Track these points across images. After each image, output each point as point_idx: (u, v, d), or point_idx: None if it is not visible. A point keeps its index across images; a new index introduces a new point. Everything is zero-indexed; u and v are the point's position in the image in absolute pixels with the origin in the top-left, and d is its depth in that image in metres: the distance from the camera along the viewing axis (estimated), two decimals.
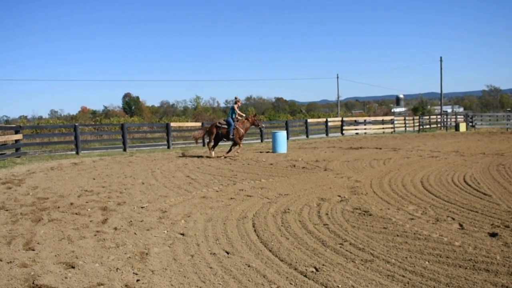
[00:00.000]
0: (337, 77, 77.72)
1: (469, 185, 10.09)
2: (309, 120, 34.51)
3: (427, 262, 5.20)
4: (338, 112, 75.30)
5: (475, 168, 12.90)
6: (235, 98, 18.00)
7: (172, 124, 26.48)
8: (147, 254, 5.79)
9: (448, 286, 4.53)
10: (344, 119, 37.29)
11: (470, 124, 40.56)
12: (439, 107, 64.17)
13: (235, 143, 18.12)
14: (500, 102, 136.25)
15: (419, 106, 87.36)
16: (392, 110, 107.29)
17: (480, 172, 12.07)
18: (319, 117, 56.33)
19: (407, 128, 40.62)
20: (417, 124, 39.79)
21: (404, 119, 42.52)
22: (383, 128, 38.27)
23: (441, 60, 54.76)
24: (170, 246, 6.14)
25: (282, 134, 20.16)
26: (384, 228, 6.72)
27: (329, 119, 35.70)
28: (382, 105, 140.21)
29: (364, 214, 7.65)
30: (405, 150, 19.50)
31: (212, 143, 18.28)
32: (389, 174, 12.25)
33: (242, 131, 17.78)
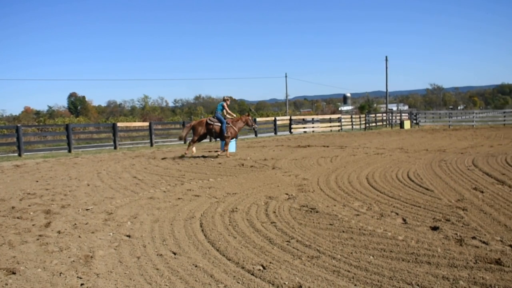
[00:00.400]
0: (286, 76, 78.71)
1: (413, 181, 10.43)
2: (258, 119, 34.69)
3: (371, 257, 5.35)
4: (286, 111, 76.12)
5: (419, 164, 13.35)
6: (224, 97, 17.55)
7: (119, 124, 25.96)
8: (91, 257, 5.67)
9: (391, 279, 4.67)
10: (293, 117, 37.69)
11: (414, 121, 41.89)
12: (384, 106, 65.90)
13: (225, 141, 17.46)
14: (443, 100, 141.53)
15: (366, 105, 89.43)
16: (340, 109, 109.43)
17: (423, 168, 12.51)
18: (268, 116, 56.65)
19: (354, 126, 41.50)
20: (364, 122, 40.73)
21: (351, 118, 43.39)
22: (330, 127, 38.95)
23: (386, 60, 56.36)
24: (115, 248, 6.03)
25: None
26: (330, 224, 6.85)
27: (277, 118, 35.97)
28: (330, 104, 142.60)
29: (311, 211, 7.77)
30: (352, 147, 19.93)
31: (195, 141, 17.55)
32: (336, 171, 12.49)
33: (235, 130, 17.44)
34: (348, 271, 4.92)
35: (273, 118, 36.02)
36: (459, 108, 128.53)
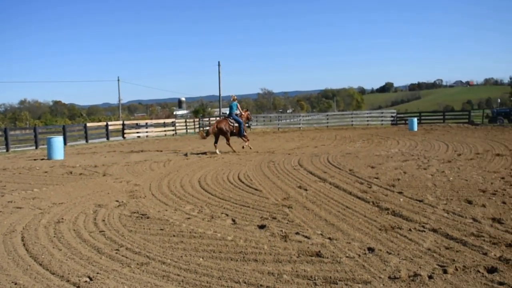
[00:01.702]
0: (118, 80, 76.38)
1: (243, 182, 10.87)
2: (89, 124, 33.21)
3: (201, 259, 5.45)
4: (120, 115, 73.99)
5: (249, 165, 13.95)
6: (234, 97, 19.54)
7: None
8: None
9: (220, 279, 4.81)
10: (126, 122, 36.78)
11: (246, 124, 43.65)
12: (218, 110, 67.58)
13: (241, 138, 19.59)
14: (273, 104, 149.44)
15: (200, 109, 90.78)
16: (174, 113, 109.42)
17: (253, 169, 13.10)
18: (100, 121, 54.48)
19: (189, 130, 41.86)
20: (198, 126, 41.31)
21: (185, 122, 43.72)
22: (165, 131, 38.79)
23: (219, 65, 57.99)
24: None
25: (58, 140, 19.07)
26: (161, 229, 6.84)
27: (109, 123, 34.79)
28: (165, 108, 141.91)
29: (141, 218, 7.68)
30: (185, 151, 20.08)
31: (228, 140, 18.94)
32: (168, 176, 12.49)
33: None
34: (178, 275, 4.96)
35: (105, 123, 34.78)
36: (288, 111, 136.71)
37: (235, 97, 19.69)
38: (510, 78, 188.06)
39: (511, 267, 4.88)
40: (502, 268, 4.86)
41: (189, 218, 7.49)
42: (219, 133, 18.84)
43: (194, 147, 22.84)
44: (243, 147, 19.75)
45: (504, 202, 7.91)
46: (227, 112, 20.26)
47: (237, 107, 19.54)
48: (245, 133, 19.45)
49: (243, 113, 19.80)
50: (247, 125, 40.50)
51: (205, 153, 18.77)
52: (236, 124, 19.03)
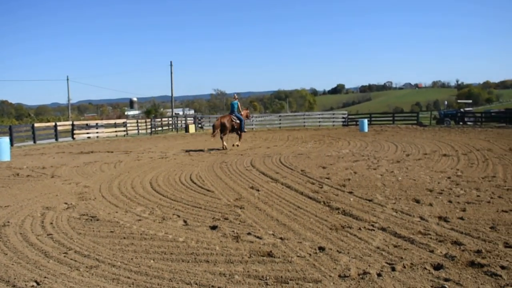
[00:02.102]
0: (67, 79, 74.55)
1: (195, 183, 10.83)
2: (36, 125, 32.19)
3: (152, 261, 5.40)
4: (69, 115, 72.19)
5: (201, 166, 13.91)
6: (235, 96, 21.79)
7: None
8: None
9: (171, 281, 4.78)
10: (75, 123, 35.92)
11: (199, 125, 43.42)
12: (171, 110, 67.00)
13: (240, 134, 21.10)
14: (226, 105, 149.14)
15: (152, 109, 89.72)
16: (126, 113, 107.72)
17: (205, 170, 13.06)
18: (48, 121, 52.93)
19: (140, 131, 41.29)
20: (150, 126, 40.84)
21: (137, 122, 43.12)
22: (116, 131, 38.13)
23: (171, 65, 57.30)
24: None
25: (4, 141, 18.45)
26: (111, 232, 6.73)
27: (58, 123, 33.86)
28: (116, 108, 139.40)
29: (91, 220, 7.53)
30: (137, 152, 19.84)
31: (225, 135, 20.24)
32: (119, 177, 12.30)
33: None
34: (128, 278, 4.89)
35: (53, 124, 33.85)
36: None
37: (236, 97, 21.72)
38: (457, 81, 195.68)
39: (456, 263, 5.06)
40: (447, 265, 5.03)
41: (140, 220, 7.41)
42: (221, 127, 20.00)
43: (146, 148, 22.56)
44: (233, 145, 20.99)
45: (450, 201, 8.19)
46: (179, 113, 20.60)
47: (238, 106, 20.92)
48: (244, 130, 21.28)
49: (242, 112, 21.31)
50: (200, 125, 40.24)
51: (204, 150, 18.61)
52: (238, 121, 20.52)
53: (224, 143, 20.05)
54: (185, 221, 7.25)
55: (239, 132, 21.00)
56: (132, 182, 11.29)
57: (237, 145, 20.92)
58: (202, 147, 21.86)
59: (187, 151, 19.51)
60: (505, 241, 5.81)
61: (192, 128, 40.81)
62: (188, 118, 46.66)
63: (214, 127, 20.20)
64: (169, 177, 11.96)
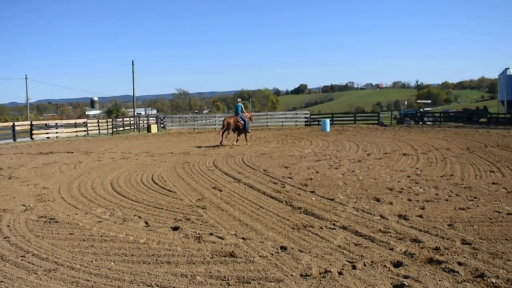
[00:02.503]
0: (26, 78, 72.68)
1: (157, 184, 10.74)
2: None
3: (112, 263, 5.33)
4: (27, 115, 70.40)
5: (163, 167, 13.80)
6: (239, 99, 25.35)
7: None
8: None
9: (132, 283, 4.73)
10: (34, 122, 35.04)
11: (161, 125, 43.05)
12: (132, 110, 66.20)
13: (245, 134, 22.53)
14: (189, 105, 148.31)
15: (113, 109, 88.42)
16: (87, 113, 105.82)
17: (167, 170, 12.97)
18: (6, 121, 51.48)
19: (101, 131, 40.64)
20: (111, 126, 40.25)
21: (98, 122, 42.43)
22: (76, 132, 37.41)
23: (133, 64, 56.62)
24: None
25: None
26: (70, 234, 6.61)
27: (16, 123, 32.96)
28: (76, 108, 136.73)
29: (50, 222, 7.38)
30: (97, 153, 19.51)
31: (229, 133, 21.79)
32: (79, 178, 12.08)
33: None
34: (88, 280, 4.81)
35: (11, 124, 32.95)
36: (204, 112, 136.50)
37: (240, 100, 25.25)
38: (417, 82, 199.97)
39: (415, 261, 5.17)
40: (407, 262, 5.14)
41: (100, 222, 7.30)
42: (227, 126, 21.27)
43: (107, 148, 22.22)
44: (233, 144, 22.04)
45: (409, 200, 8.37)
46: (141, 113, 20.53)
47: (242, 108, 22.69)
48: (249, 131, 22.73)
49: (246, 114, 22.95)
50: (162, 125, 39.93)
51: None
52: (242, 122, 22.02)
53: (223, 139, 21.53)
54: (146, 222, 7.18)
55: (243, 132, 22.51)
56: (93, 183, 11.11)
57: (239, 144, 22.20)
58: (164, 147, 21.67)
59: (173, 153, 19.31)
60: (462, 238, 5.98)
61: (154, 128, 40.42)
62: (150, 118, 46.20)
63: (223, 127, 21.62)
64: (130, 177, 11.83)
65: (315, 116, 44.98)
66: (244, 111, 23.08)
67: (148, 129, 40.44)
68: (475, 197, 8.49)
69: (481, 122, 35.68)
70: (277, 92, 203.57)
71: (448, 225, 6.64)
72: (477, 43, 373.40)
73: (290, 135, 28.79)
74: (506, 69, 39.16)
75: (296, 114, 48.01)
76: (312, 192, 9.29)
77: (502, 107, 40.23)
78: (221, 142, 21.63)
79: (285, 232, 6.48)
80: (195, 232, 6.54)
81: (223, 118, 26.12)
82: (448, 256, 5.29)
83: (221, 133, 21.65)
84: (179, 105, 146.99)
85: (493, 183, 9.92)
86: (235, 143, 22.27)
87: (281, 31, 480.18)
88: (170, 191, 9.82)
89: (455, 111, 44.43)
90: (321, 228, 6.62)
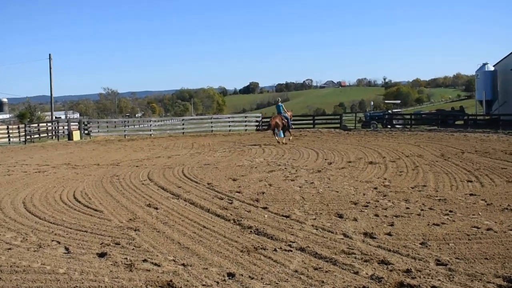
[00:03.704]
0: None
1: (80, 202, 10.58)
2: None
3: None
4: None
5: (88, 181, 13.58)
6: (279, 100, 30.85)
7: None
8: None
9: None
10: None
11: (85, 132, 42.32)
12: (50, 113, 64.74)
13: (289, 132, 27.55)
14: (119, 107, 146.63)
15: (27, 112, 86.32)
16: None
17: (92, 185, 12.77)
18: None
19: (12, 139, 39.61)
20: (24, 133, 39.25)
21: (7, 128, 41.34)
22: None
23: (50, 58, 55.33)
24: None
25: None
26: None
27: None
28: None
29: None
30: (7, 165, 18.99)
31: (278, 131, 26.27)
32: None
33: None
34: None
35: None
36: (137, 115, 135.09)
37: (279, 99, 31.43)
38: (384, 79, 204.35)
39: (384, 285, 5.28)
40: (374, 287, 5.23)
41: (10, 249, 7.12)
42: (275, 126, 25.86)
43: (18, 160, 21.64)
44: (285, 143, 25.83)
45: (376, 215, 8.55)
46: (61, 117, 20.12)
47: (282, 107, 27.02)
48: (292, 127, 28.52)
49: (288, 113, 27.36)
50: (86, 132, 39.32)
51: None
52: (285, 120, 26.29)
53: (277, 138, 26.12)
54: (66, 249, 7.05)
55: (287, 130, 27.01)
56: (0, 203, 10.81)
57: (287, 142, 26.30)
58: (89, 158, 21.30)
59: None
60: (436, 258, 6.15)
61: (76, 135, 39.66)
62: (72, 123, 45.35)
63: (269, 125, 26.64)
64: (47, 195, 11.58)
65: (268, 119, 45.27)
66: (285, 110, 27.37)
67: (70, 136, 39.64)
68: (450, 211, 8.75)
69: (458, 125, 36.57)
70: (223, 92, 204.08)
71: (421, 243, 6.82)
72: (452, 34, 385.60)
73: (239, 141, 28.90)
74: (484, 64, 39.84)
75: (246, 117, 48.17)
76: (265, 208, 9.35)
77: (480, 108, 41.26)
78: (280, 142, 25.81)
79: (233, 256, 6.49)
80: (126, 258, 6.46)
81: (268, 119, 34.66)
82: (420, 280, 5.42)
83: (275, 136, 26.34)
84: (106, 108, 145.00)
85: (471, 195, 10.26)
86: (283, 141, 25.96)
87: (227, 21, 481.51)
88: (95, 210, 9.67)
89: (427, 113, 45.69)
90: (275, 250, 6.67)
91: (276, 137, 26.45)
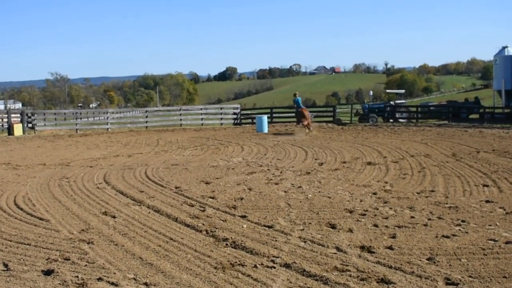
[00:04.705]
0: None
1: (22, 209, 10.52)
2: None
3: None
4: None
5: (32, 184, 13.49)
6: (297, 94, 33.06)
7: None
8: None
9: None
10: None
11: (29, 125, 41.95)
12: None
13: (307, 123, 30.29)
14: (69, 96, 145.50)
15: None
16: None
17: (37, 189, 12.70)
18: None
19: None
20: None
21: None
22: None
23: None
24: None
25: None
26: None
27: None
28: None
29: None
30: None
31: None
32: None
33: None
34: None
35: None
36: (91, 106, 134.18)
37: (298, 93, 33.55)
38: (386, 65, 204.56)
39: None
40: None
41: None
42: (305, 116, 29.68)
43: None
44: (307, 133, 29.40)
45: (375, 225, 8.58)
46: (0, 107, 19.85)
47: (300, 101, 31.66)
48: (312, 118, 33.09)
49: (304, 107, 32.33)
50: (30, 125, 39.04)
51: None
52: (309, 113, 31.22)
53: (306, 129, 29.77)
54: (6, 265, 7.00)
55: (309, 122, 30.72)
56: None
57: (311, 131, 30.02)
58: (33, 156, 21.13)
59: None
60: (446, 276, 6.18)
61: (18, 129, 39.33)
62: (13, 115, 44.96)
63: (302, 116, 29.90)
64: None
65: (248, 112, 45.21)
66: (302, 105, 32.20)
67: (10, 130, 39.30)
68: (463, 221, 8.81)
69: (472, 119, 36.66)
70: (195, 78, 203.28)
71: (428, 259, 6.85)
72: (466, 14, 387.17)
73: (214, 137, 28.83)
74: (504, 47, 39.81)
75: (222, 108, 48.06)
76: (243, 217, 9.36)
77: (499, 99, 41.36)
78: (310, 130, 29.66)
79: (205, 273, 6.48)
80: (77, 277, 6.43)
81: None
82: None
83: (305, 124, 29.56)
84: (55, 96, 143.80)
85: (487, 201, 10.34)
86: (308, 130, 29.57)
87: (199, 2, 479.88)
88: (41, 219, 9.62)
89: (436, 105, 45.65)
90: (255, 266, 6.67)
91: (308, 128, 29.73)
